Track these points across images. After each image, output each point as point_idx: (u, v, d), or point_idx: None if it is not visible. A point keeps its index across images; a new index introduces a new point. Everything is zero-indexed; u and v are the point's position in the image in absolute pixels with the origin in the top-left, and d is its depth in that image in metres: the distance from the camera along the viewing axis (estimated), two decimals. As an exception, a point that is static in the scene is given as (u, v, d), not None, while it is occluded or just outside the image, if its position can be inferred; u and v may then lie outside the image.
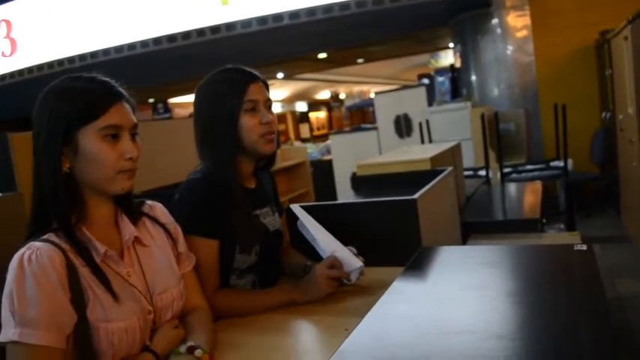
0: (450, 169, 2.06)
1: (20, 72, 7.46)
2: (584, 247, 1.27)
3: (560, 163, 3.36)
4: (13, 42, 7.52)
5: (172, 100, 13.59)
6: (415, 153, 2.45)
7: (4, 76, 7.66)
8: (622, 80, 4.65)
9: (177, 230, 1.25)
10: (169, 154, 2.52)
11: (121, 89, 1.10)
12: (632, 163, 4.50)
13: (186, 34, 6.13)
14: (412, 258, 1.43)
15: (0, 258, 1.05)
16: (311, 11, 5.66)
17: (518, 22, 6.09)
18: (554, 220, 3.45)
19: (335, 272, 1.37)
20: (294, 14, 5.73)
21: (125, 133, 1.07)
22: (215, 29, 6.04)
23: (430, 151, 2.39)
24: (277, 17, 5.81)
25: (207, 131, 1.45)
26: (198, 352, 1.03)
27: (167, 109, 13.34)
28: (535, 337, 0.97)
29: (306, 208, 1.70)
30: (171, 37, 6.21)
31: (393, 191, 1.75)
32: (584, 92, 6.22)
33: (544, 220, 2.68)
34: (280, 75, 12.61)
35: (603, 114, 5.98)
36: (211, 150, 1.44)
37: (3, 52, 7.61)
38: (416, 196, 1.56)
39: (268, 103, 1.47)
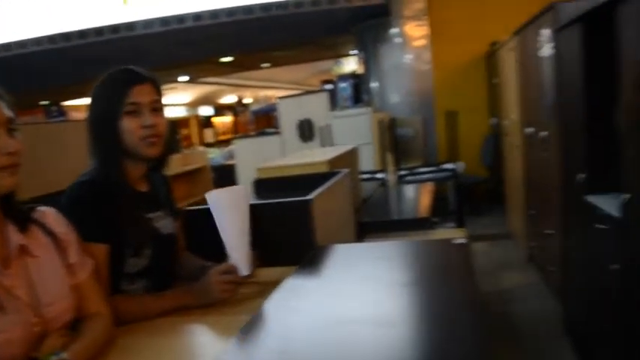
0: (345, 171, 2.14)
1: None
2: (462, 241, 1.39)
3: (450, 166, 3.58)
4: None
5: (68, 103, 12.92)
6: (314, 156, 2.51)
7: None
8: (507, 88, 5.02)
9: (69, 239, 1.20)
10: (62, 157, 2.41)
11: None
12: (515, 166, 4.87)
13: (83, 33, 5.87)
14: (306, 257, 1.49)
15: None
16: (214, 14, 5.62)
17: (417, 31, 6.39)
18: (446, 219, 3.65)
19: (228, 277, 1.38)
20: (197, 16, 5.67)
21: (1, 129, 1.03)
22: (114, 29, 5.84)
23: (328, 154, 2.46)
24: (180, 19, 5.72)
25: (93, 132, 1.43)
26: None
27: (62, 112, 12.66)
28: (415, 324, 1.05)
29: (200, 212, 1.71)
30: (67, 36, 5.92)
31: (293, 193, 1.80)
32: (475, 100, 6.64)
33: (436, 219, 2.85)
34: (184, 78, 12.36)
35: (491, 120, 6.42)
36: (97, 151, 1.43)
37: None
38: (310, 196, 1.62)
39: (155, 105, 1.44)
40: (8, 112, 1.06)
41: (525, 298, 3.99)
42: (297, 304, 1.19)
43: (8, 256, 1.06)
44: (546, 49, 3.33)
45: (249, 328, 1.05)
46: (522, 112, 4.35)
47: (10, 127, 1.06)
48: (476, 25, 6.32)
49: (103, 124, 1.41)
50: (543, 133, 3.59)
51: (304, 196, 1.65)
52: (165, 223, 1.55)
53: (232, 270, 1.39)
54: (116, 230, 1.36)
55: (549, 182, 3.55)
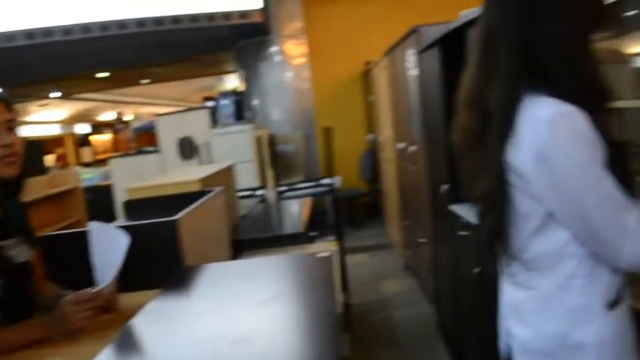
0: (218, 189, 2.13)
1: None
2: (326, 254, 1.44)
3: (328, 180, 3.68)
4: None
5: None
6: (188, 175, 2.48)
7: None
8: (381, 106, 5.27)
9: None
10: None
11: None
12: (390, 179, 5.11)
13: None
14: (170, 278, 1.46)
15: None
16: (86, 28, 5.36)
17: (296, 50, 6.51)
18: (327, 233, 3.74)
19: (82, 306, 1.32)
20: (67, 30, 5.37)
21: None
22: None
23: (202, 172, 2.44)
24: (47, 32, 5.38)
25: None
26: None
27: None
28: (273, 339, 1.07)
29: (56, 238, 1.62)
30: None
31: (164, 213, 1.76)
32: (354, 116, 6.90)
33: (315, 233, 2.91)
34: (56, 94, 11.66)
35: (369, 136, 6.69)
36: None
37: None
38: (177, 216, 1.59)
39: (10, 124, 1.38)
40: None
41: (403, 305, 4.18)
42: (158, 327, 1.16)
43: None
44: (412, 69, 3.56)
45: (107, 354, 1.02)
46: (394, 128, 4.59)
47: None
48: (351, 45, 6.59)
49: None
50: (412, 148, 3.81)
51: (174, 216, 1.62)
52: (19, 251, 1.45)
53: (87, 298, 1.34)
54: None
55: (420, 194, 3.77)
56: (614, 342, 1.15)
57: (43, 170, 5.11)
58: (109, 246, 1.44)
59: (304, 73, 6.55)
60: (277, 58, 6.52)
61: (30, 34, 5.36)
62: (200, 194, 2.05)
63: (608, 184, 1.07)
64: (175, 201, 2.13)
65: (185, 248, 1.60)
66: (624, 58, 1.86)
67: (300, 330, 1.10)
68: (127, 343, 1.08)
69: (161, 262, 1.58)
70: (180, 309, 1.28)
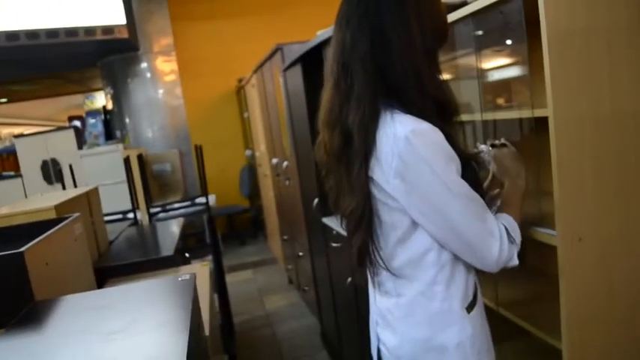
0: (75, 215, 2.01)
1: None
2: (186, 277, 1.40)
3: (203, 199, 3.62)
4: None
5: None
6: (42, 201, 2.31)
7: None
8: (255, 122, 5.29)
9: None
10: None
11: None
12: (269, 194, 5.13)
13: None
14: (16, 316, 1.35)
15: None
16: None
17: (166, 66, 6.37)
18: (204, 253, 3.68)
19: None
20: None
21: None
22: None
23: (59, 198, 2.29)
24: None
25: None
26: None
27: None
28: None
29: None
30: None
31: (12, 245, 1.63)
32: (230, 133, 6.86)
33: (187, 255, 2.84)
34: None
35: (246, 152, 6.69)
36: None
37: None
38: (23, 248, 1.48)
39: None
40: None
41: (288, 318, 4.21)
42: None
43: None
44: (279, 86, 3.61)
45: None
46: (268, 144, 4.63)
47: None
48: (222, 62, 6.58)
49: None
50: (286, 163, 3.86)
51: (21, 247, 1.50)
52: None
53: None
54: None
55: (295, 208, 3.83)
56: (474, 342, 1.23)
57: None
58: None
59: (176, 90, 6.43)
60: (147, 75, 6.34)
61: None
62: (55, 222, 1.92)
63: (467, 191, 1.15)
64: (26, 231, 1.98)
65: (36, 282, 1.49)
66: (475, 74, 2.02)
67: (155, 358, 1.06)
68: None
69: (6, 300, 1.45)
70: (25, 349, 1.19)
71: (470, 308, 1.24)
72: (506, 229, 1.21)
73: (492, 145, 1.42)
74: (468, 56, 1.91)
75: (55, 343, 1.18)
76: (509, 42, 1.72)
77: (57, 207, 2.04)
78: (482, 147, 1.43)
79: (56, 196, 2.60)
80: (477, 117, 1.66)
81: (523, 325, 1.51)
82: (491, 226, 1.18)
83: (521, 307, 1.59)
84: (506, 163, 1.37)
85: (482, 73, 1.83)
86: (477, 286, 1.30)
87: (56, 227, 1.77)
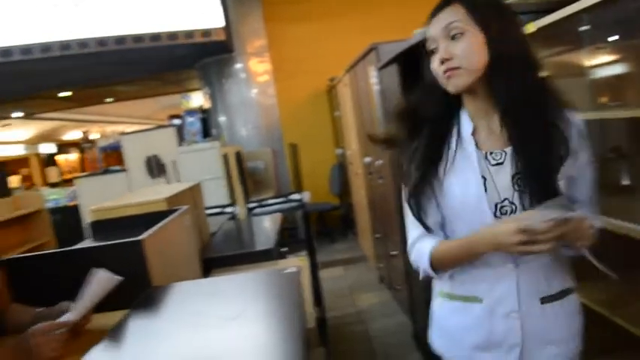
0: (184, 208, 2.11)
1: None
2: (292, 270, 1.44)
3: (297, 196, 3.69)
4: None
5: None
6: (153, 194, 2.45)
7: None
8: (347, 121, 5.31)
9: None
10: None
11: None
12: (360, 192, 5.14)
13: None
14: (137, 299, 1.45)
15: None
16: (46, 47, 5.28)
17: (260, 67, 6.54)
18: (298, 248, 3.74)
19: (49, 337, 1.28)
20: (25, 50, 5.28)
21: None
22: None
23: (169, 191, 2.42)
24: (6, 52, 5.29)
25: None
26: None
27: None
28: (240, 356, 1.07)
29: (24, 260, 1.60)
30: None
31: (131, 233, 1.74)
32: (321, 132, 6.93)
33: (284, 249, 2.91)
34: (18, 114, 11.42)
35: (337, 150, 6.73)
36: None
37: None
38: (142, 236, 1.58)
39: None
40: None
41: (379, 316, 4.20)
42: (127, 348, 1.15)
43: None
44: (373, 85, 3.61)
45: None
46: (360, 143, 4.63)
47: None
48: (314, 62, 6.65)
49: None
50: (379, 162, 3.85)
51: (140, 236, 1.60)
52: None
53: (55, 327, 1.31)
54: None
55: (388, 207, 3.80)
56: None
57: (6, 192, 4.98)
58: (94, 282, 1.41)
59: (269, 90, 6.58)
60: (242, 76, 6.53)
61: (-12, 54, 5.27)
62: (166, 213, 2.04)
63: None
64: (141, 221, 2.11)
65: (152, 268, 1.59)
66: (581, 71, 1.93)
67: (267, 346, 1.10)
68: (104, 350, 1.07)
69: (128, 283, 1.56)
70: (147, 329, 1.27)
71: (442, 296, 1.37)
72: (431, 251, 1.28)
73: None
74: (574, 52, 1.82)
75: (174, 325, 1.25)
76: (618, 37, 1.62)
77: (168, 199, 2.16)
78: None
79: (164, 189, 2.74)
80: (588, 116, 1.58)
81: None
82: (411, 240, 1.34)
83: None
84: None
85: (589, 70, 1.74)
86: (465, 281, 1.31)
87: (169, 217, 1.87)
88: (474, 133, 1.26)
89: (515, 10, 1.31)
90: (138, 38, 5.42)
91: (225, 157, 3.47)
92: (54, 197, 7.26)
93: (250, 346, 1.08)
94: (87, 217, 5.71)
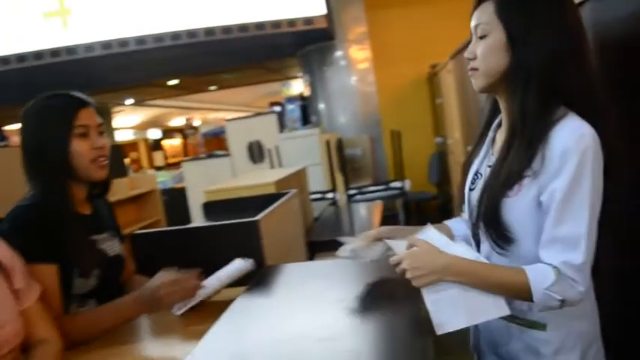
0: (293, 191, 2.16)
1: None
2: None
3: (398, 184, 3.65)
4: None
5: (8, 128, 12.47)
6: (262, 177, 2.53)
7: None
8: (450, 108, 5.18)
9: (13, 265, 1.18)
10: (4, 184, 2.34)
11: None
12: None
13: (22, 57, 5.72)
14: (254, 277, 1.50)
15: None
16: (158, 38, 5.58)
17: (360, 54, 6.53)
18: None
19: (172, 289, 1.37)
20: (140, 40, 5.60)
21: None
22: (54, 52, 5.71)
23: (276, 175, 2.49)
24: (123, 42, 5.63)
25: (36, 158, 1.42)
26: None
27: (3, 136, 12.21)
28: (358, 337, 1.08)
29: (149, 235, 1.70)
30: (5, 59, 5.76)
31: (242, 214, 1.81)
32: (420, 119, 6.82)
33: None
34: (130, 101, 12.18)
35: (437, 139, 6.60)
36: (41, 176, 1.41)
37: None
38: (258, 217, 1.63)
39: (100, 128, 1.48)
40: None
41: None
42: (247, 324, 1.20)
43: None
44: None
45: (199, 350, 1.06)
46: (464, 132, 4.50)
47: None
48: (416, 48, 6.54)
49: (52, 148, 1.40)
50: (484, 150, 3.72)
51: (252, 217, 1.66)
52: (111, 245, 1.56)
53: (180, 279, 1.39)
54: (62, 252, 1.35)
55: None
56: None
57: (124, 173, 5.35)
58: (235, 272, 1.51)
59: (369, 77, 6.55)
60: (342, 63, 6.55)
61: (107, 44, 5.64)
62: (275, 196, 2.09)
63: None
64: (251, 203, 2.19)
65: (266, 248, 1.64)
66: None
67: (383, 329, 1.10)
68: (216, 339, 1.12)
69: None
70: (264, 307, 1.31)
71: None
72: None
73: None
74: None
75: (291, 304, 1.29)
76: None
77: (277, 183, 2.21)
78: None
79: (270, 173, 2.82)
80: None
81: None
82: None
83: None
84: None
85: None
86: None
87: (281, 200, 1.92)
88: (497, 129, 1.27)
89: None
90: (243, 27, 5.59)
91: (328, 144, 3.51)
92: (162, 179, 7.70)
93: (368, 327, 1.09)
94: (193, 199, 6.01)
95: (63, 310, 1.36)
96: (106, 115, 11.14)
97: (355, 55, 6.53)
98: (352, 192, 3.74)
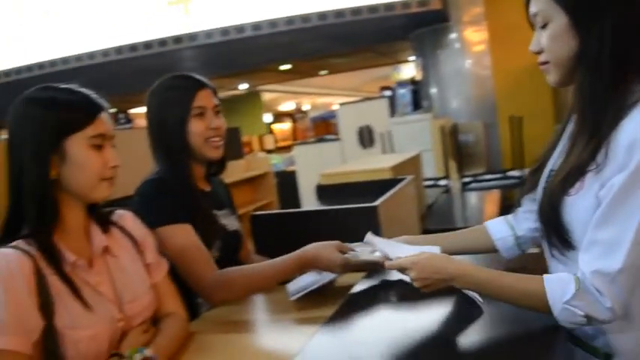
0: (410, 177, 2.12)
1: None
2: (538, 251, 1.34)
3: (517, 173, 3.47)
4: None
5: (134, 111, 13.39)
6: (377, 162, 2.50)
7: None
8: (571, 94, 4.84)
9: (146, 240, 1.26)
10: (130, 164, 2.50)
11: (101, 100, 1.14)
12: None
13: (148, 44, 6.09)
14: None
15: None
16: (273, 23, 5.69)
17: (476, 36, 6.27)
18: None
19: (339, 255, 1.34)
20: (256, 26, 5.76)
21: (108, 142, 1.12)
22: (177, 39, 6.02)
23: (391, 160, 2.45)
24: (239, 29, 5.82)
25: (159, 136, 1.50)
26: None
27: (128, 119, 13.13)
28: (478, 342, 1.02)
29: (269, 217, 1.73)
30: (133, 47, 6.16)
31: (356, 199, 1.80)
32: (539, 104, 6.43)
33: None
34: (244, 86, 12.61)
35: (558, 126, 6.20)
36: (164, 154, 1.49)
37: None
38: (376, 203, 1.61)
39: (217, 109, 1.53)
40: (112, 129, 1.14)
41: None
42: (366, 312, 1.18)
43: (92, 256, 1.12)
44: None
45: (320, 336, 1.06)
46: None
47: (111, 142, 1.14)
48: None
49: (171, 127, 1.47)
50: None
51: (368, 202, 1.64)
52: (230, 221, 1.62)
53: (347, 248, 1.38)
54: (190, 223, 1.41)
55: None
56: None
57: (240, 155, 5.54)
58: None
59: (484, 60, 6.28)
60: (456, 46, 6.33)
61: (225, 31, 5.85)
62: (390, 182, 2.06)
63: None
64: (366, 188, 2.17)
65: (384, 235, 1.61)
66: None
67: (514, 324, 1.04)
68: (339, 326, 1.11)
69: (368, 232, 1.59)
70: (384, 295, 1.29)
71: None
72: None
73: None
74: None
75: (410, 294, 1.24)
76: None
77: (392, 168, 2.17)
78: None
79: (383, 159, 2.79)
80: None
81: None
82: None
83: None
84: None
85: None
86: None
87: (398, 186, 1.89)
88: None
89: None
90: (356, 11, 5.56)
91: (442, 130, 3.41)
92: (273, 162, 7.91)
93: (499, 322, 1.03)
94: (303, 182, 6.12)
95: (214, 265, 1.39)
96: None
97: (470, 38, 6.28)
98: (466, 180, 3.61)
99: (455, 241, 1.35)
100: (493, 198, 2.97)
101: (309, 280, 1.35)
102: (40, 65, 6.61)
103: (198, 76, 1.53)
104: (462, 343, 1.00)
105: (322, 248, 1.34)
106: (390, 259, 1.16)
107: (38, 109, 1.05)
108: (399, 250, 1.19)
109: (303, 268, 1.36)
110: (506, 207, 4.25)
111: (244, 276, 1.37)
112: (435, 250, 1.17)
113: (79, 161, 1.06)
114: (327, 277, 1.36)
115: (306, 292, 1.34)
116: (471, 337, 1.01)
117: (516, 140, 3.47)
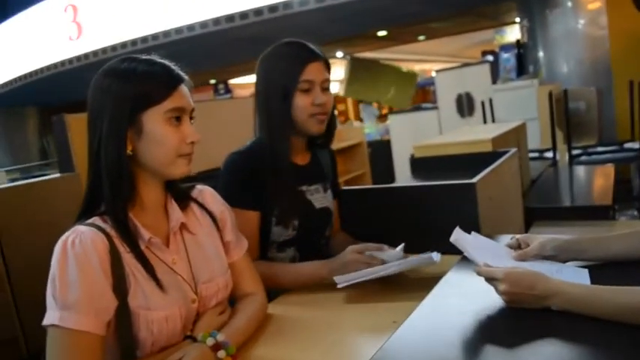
0: (513, 150, 1.94)
1: (86, 55, 7.72)
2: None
3: (635, 145, 3.13)
4: (79, 26, 7.78)
5: (233, 81, 13.72)
6: (476, 133, 2.33)
7: (71, 60, 7.96)
8: None
9: (225, 217, 1.21)
10: (225, 134, 2.50)
11: (181, 72, 1.08)
12: None
13: (244, 14, 6.14)
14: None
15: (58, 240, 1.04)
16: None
17: (591, -7, 5.74)
18: (627, 207, 3.23)
19: (363, 258, 1.31)
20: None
21: (186, 116, 1.07)
22: (273, 8, 6.02)
23: (492, 131, 2.27)
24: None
25: (263, 103, 1.46)
26: (221, 354, 0.98)
27: (228, 89, 13.48)
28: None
29: (361, 192, 1.65)
30: (230, 17, 6.24)
31: (453, 174, 1.67)
32: (663, 68, 5.81)
33: (616, 207, 2.51)
34: (340, 54, 12.48)
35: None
36: (265, 121, 1.46)
37: (70, 36, 7.89)
38: (475, 179, 1.47)
39: (325, 84, 1.46)
40: (192, 103, 1.09)
41: None
42: (458, 305, 1.07)
43: (169, 234, 1.09)
44: None
45: (405, 328, 0.96)
46: None
47: (192, 116, 1.09)
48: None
49: (276, 96, 1.43)
50: None
51: (465, 177, 1.51)
52: (319, 197, 1.56)
53: (370, 248, 1.34)
54: (265, 199, 1.41)
55: None
56: None
57: (334, 124, 5.49)
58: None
59: (600, 20, 5.74)
60: (568, 5, 5.82)
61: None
62: (490, 155, 1.89)
63: None
64: (463, 162, 2.02)
65: (482, 214, 1.48)
66: None
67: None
68: (427, 319, 1.01)
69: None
70: (478, 285, 1.17)
71: None
72: None
73: None
74: None
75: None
76: None
77: (493, 140, 2.01)
78: None
79: (483, 129, 2.60)
80: None
81: None
82: None
83: None
84: None
85: None
86: None
87: (499, 160, 1.73)
88: None
89: None
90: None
91: (550, 97, 3.13)
92: (368, 131, 7.79)
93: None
94: (398, 152, 5.97)
95: (256, 257, 1.42)
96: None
97: (585, -5, 5.76)
98: (576, 152, 3.31)
99: (611, 246, 1.13)
100: (606, 173, 2.68)
101: (361, 273, 1.29)
102: (143, 39, 6.90)
103: (312, 46, 1.46)
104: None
105: (349, 265, 1.32)
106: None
107: (114, 82, 1.01)
108: (490, 257, 1.07)
109: (325, 279, 1.34)
110: (621, 182, 3.89)
111: (267, 278, 1.33)
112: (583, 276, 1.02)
113: (156, 136, 1.02)
114: (380, 270, 1.28)
115: (355, 281, 1.27)
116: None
117: (635, 108, 3.11)
